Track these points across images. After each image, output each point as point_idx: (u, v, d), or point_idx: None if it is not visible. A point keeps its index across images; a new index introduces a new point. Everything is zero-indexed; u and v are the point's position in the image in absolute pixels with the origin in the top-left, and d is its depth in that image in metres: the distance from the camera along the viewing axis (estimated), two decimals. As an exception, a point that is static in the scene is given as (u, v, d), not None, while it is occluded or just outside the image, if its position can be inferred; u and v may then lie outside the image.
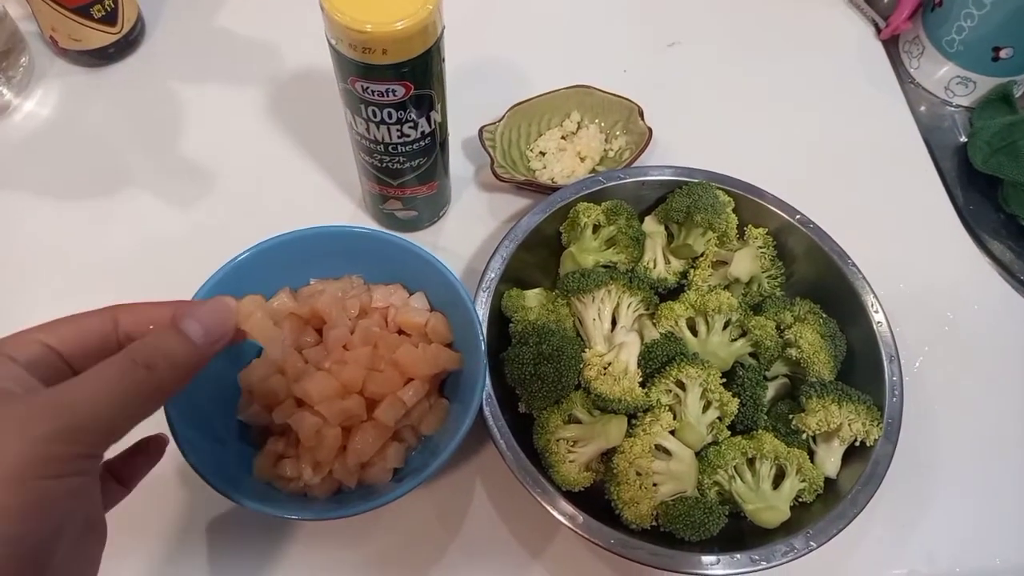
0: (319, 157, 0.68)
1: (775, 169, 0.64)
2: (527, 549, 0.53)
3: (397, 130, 0.51)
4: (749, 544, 0.48)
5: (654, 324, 0.56)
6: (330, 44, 0.47)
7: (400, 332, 0.53)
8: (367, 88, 0.48)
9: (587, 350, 0.54)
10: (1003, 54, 0.74)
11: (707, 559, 0.47)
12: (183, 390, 0.46)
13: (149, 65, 0.72)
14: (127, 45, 0.71)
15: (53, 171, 0.66)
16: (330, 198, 0.66)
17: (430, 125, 0.53)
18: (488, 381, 0.50)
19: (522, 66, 0.75)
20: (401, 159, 0.54)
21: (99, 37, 0.68)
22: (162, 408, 0.46)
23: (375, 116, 0.50)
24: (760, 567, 0.46)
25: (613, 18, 0.81)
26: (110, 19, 0.67)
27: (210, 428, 0.48)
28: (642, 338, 0.55)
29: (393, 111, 0.49)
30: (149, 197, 0.65)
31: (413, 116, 0.51)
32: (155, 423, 0.46)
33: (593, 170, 0.67)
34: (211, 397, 0.50)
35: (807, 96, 0.78)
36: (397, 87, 0.48)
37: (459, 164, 0.68)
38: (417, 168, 0.56)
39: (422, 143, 0.54)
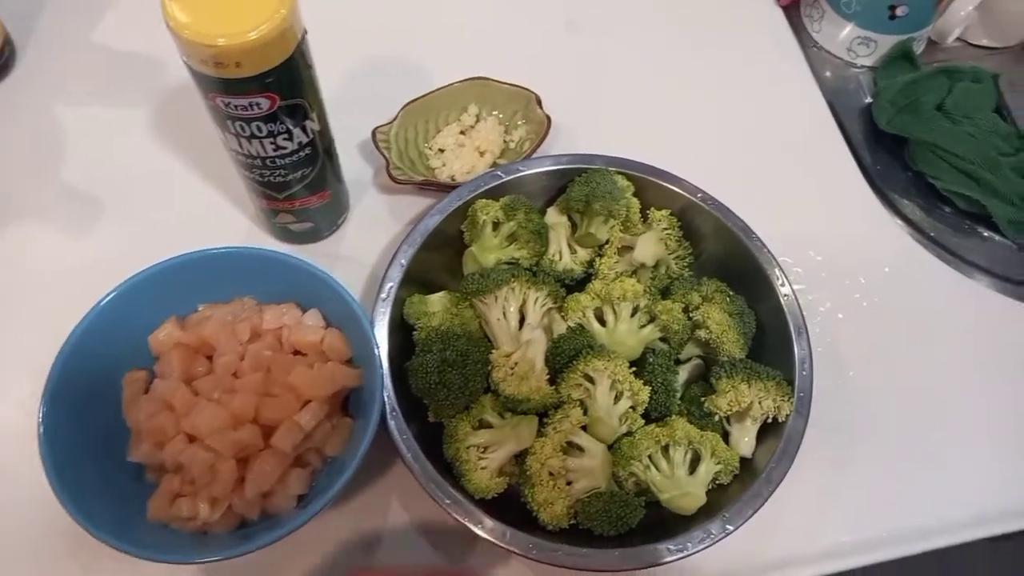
0: (210, 172, 0.66)
1: (680, 147, 0.63)
2: (449, 560, 0.52)
3: (271, 143, 0.49)
4: (671, 530, 0.48)
5: (563, 317, 0.55)
6: (183, 61, 0.44)
7: (296, 352, 0.51)
8: (229, 103, 0.45)
9: (494, 351, 0.53)
10: (899, 12, 0.74)
11: (621, 553, 0.46)
12: (65, 436, 0.45)
13: (22, 90, 0.69)
14: (-4, 71, 0.67)
15: (-74, 211, 0.62)
16: (224, 214, 0.64)
17: (307, 135, 0.50)
18: (392, 394, 0.49)
19: (415, 62, 0.73)
20: (282, 172, 0.52)
21: (-41, 64, 0.64)
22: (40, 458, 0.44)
23: (244, 131, 0.48)
24: (677, 556, 0.46)
25: (508, 4, 0.79)
26: (-30, 45, 0.64)
27: (99, 473, 0.46)
28: (551, 333, 0.54)
29: (262, 124, 0.47)
30: (33, 228, 0.62)
31: (287, 127, 0.49)
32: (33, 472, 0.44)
33: (494, 163, 0.66)
34: (99, 439, 0.48)
35: (709, 71, 0.77)
36: (261, 100, 0.45)
37: (356, 168, 0.65)
38: (303, 179, 0.54)
39: (302, 154, 0.51)
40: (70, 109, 0.68)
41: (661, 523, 0.50)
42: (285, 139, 0.49)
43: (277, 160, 0.51)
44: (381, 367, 0.48)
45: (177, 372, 0.49)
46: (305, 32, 0.46)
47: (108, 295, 0.49)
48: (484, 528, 0.46)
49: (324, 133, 0.53)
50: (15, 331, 0.57)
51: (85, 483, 0.45)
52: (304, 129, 0.50)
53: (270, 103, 0.46)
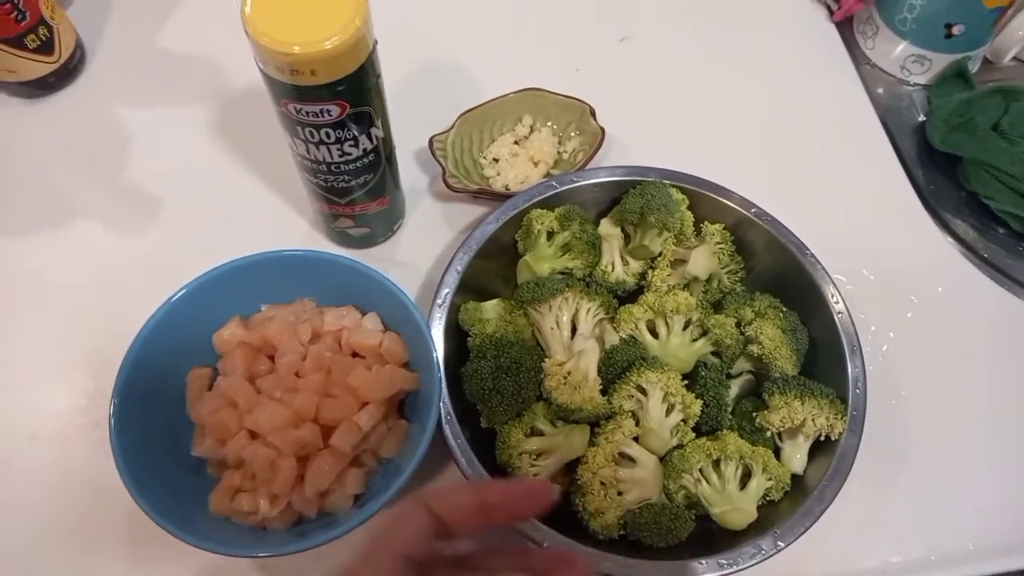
0: (269, 176, 0.67)
1: (732, 161, 0.63)
2: (497, 565, 0.52)
3: (337, 149, 0.50)
4: (719, 545, 0.48)
5: (615, 328, 0.56)
6: (259, 67, 0.46)
7: (354, 355, 0.52)
8: (300, 109, 0.46)
9: (547, 360, 0.53)
10: (955, 31, 0.73)
11: (673, 566, 0.46)
12: (133, 428, 0.46)
13: (91, 92, 0.71)
14: (67, 73, 0.69)
15: (-3, 206, 0.65)
16: (283, 217, 0.65)
17: (372, 142, 0.52)
18: (447, 398, 0.50)
19: (471, 72, 0.74)
20: (346, 177, 0.53)
21: (36, 67, 0.66)
22: (111, 452, 0.45)
23: (313, 137, 0.49)
24: (728, 571, 0.46)
25: (562, 16, 0.80)
26: (46, 48, 0.66)
27: (163, 465, 0.48)
28: (603, 344, 0.55)
29: (331, 131, 0.48)
30: (98, 227, 0.64)
31: (353, 134, 0.50)
32: (105, 466, 0.46)
33: (547, 174, 0.66)
34: (163, 433, 0.49)
35: (762, 85, 0.77)
36: (332, 107, 0.46)
37: (412, 175, 0.67)
38: (365, 185, 0.55)
39: (366, 160, 0.53)
40: (135, 111, 0.70)
41: (710, 537, 0.50)
42: (351, 146, 0.50)
43: (342, 166, 0.52)
44: (439, 371, 0.49)
45: (240, 370, 0.50)
46: (376, 42, 0.47)
47: (178, 293, 0.50)
48: (538, 535, 0.46)
49: (387, 140, 0.54)
50: (78, 326, 0.59)
51: (150, 474, 0.46)
52: (369, 136, 0.51)
53: (340, 110, 0.47)
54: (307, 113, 0.47)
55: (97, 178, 0.67)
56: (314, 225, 0.64)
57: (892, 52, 0.78)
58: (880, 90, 0.79)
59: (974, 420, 0.59)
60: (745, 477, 0.51)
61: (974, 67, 0.77)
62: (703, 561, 0.46)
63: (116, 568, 0.51)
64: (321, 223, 0.62)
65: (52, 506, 0.53)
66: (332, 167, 0.52)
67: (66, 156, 0.67)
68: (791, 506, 0.50)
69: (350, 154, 0.51)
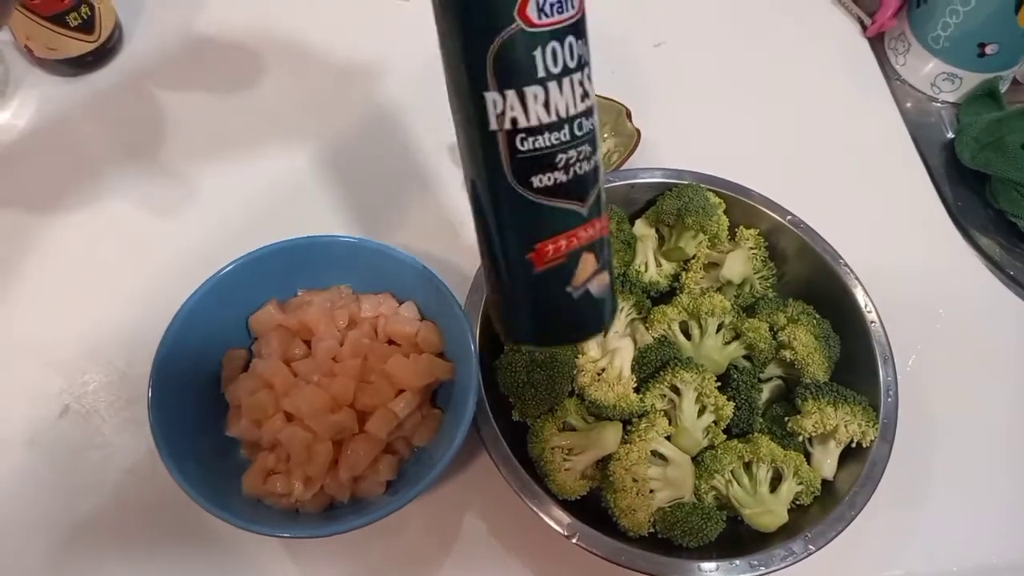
0: (312, 160, 0.67)
1: (764, 169, 0.63)
2: (523, 560, 0.52)
3: (579, 85, 0.32)
4: (748, 548, 0.48)
5: (647, 328, 0.56)
6: None
7: (390, 342, 0.52)
8: (544, 4, 0.30)
9: (580, 356, 0.53)
10: (988, 50, 0.74)
11: (706, 566, 0.46)
12: (169, 405, 0.46)
13: (129, 73, 0.71)
14: (105, 53, 0.70)
15: (32, 183, 0.64)
16: (323, 206, 0.65)
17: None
18: (481, 390, 0.50)
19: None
20: (588, 148, 0.33)
21: (76, 46, 0.66)
22: (148, 424, 0.45)
23: (554, 62, 0.31)
24: (759, 572, 0.46)
25: (599, 18, 0.80)
26: (87, 27, 0.66)
27: (197, 444, 0.48)
28: (635, 343, 0.55)
29: (575, 41, 0.31)
30: (134, 207, 0.64)
31: (587, 51, 0.32)
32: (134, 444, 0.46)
33: (582, 173, 0.66)
34: (196, 413, 0.49)
35: (794, 95, 0.77)
36: None
37: (448, 170, 0.67)
38: (601, 169, 0.34)
39: (594, 114, 0.33)
40: (172, 94, 0.70)
41: (738, 539, 0.50)
42: (588, 79, 0.32)
43: (583, 121, 0.32)
44: (478, 363, 0.49)
45: (277, 353, 0.50)
46: None
47: (221, 271, 0.50)
48: (568, 529, 0.46)
49: None
50: (113, 303, 0.59)
51: (185, 451, 0.46)
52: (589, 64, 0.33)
53: None
54: (551, 9, 0.30)
55: (133, 158, 0.66)
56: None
57: (923, 69, 0.79)
58: (909, 105, 0.79)
59: (999, 434, 0.59)
60: (775, 481, 0.51)
61: (1004, 87, 0.78)
62: (735, 562, 0.46)
63: (141, 545, 0.51)
64: (534, 313, 0.35)
65: (80, 480, 0.52)
66: (575, 125, 0.32)
67: (103, 135, 0.68)
68: (820, 511, 0.50)
69: (587, 95, 0.32)
